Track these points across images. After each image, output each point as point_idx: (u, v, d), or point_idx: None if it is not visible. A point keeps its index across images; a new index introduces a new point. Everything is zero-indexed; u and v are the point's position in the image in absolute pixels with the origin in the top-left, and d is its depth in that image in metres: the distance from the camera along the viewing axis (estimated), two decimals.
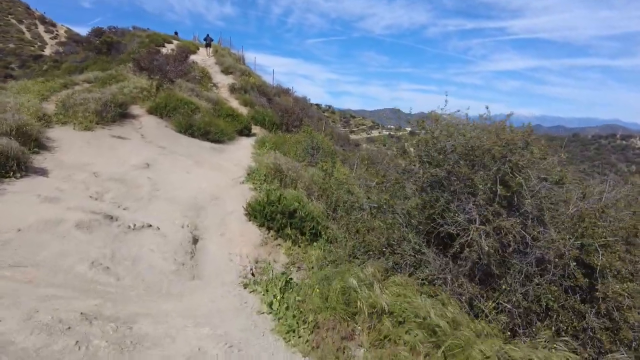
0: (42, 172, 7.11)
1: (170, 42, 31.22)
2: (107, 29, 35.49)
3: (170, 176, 8.91)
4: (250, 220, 7.14)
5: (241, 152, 13.16)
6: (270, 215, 6.79)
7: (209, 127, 13.61)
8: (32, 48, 68.86)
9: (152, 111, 13.90)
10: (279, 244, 6.63)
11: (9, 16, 78.24)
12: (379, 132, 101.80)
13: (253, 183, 9.51)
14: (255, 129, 17.45)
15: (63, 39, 76.45)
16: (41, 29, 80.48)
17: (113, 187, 7.07)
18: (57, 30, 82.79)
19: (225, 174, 10.21)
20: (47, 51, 68.26)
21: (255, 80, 24.94)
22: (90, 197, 6.40)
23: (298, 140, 15.17)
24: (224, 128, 14.28)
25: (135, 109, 13.97)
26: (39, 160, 7.86)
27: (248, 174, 9.95)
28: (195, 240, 5.92)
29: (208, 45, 30.84)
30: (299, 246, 6.70)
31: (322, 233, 6.88)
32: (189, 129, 13.22)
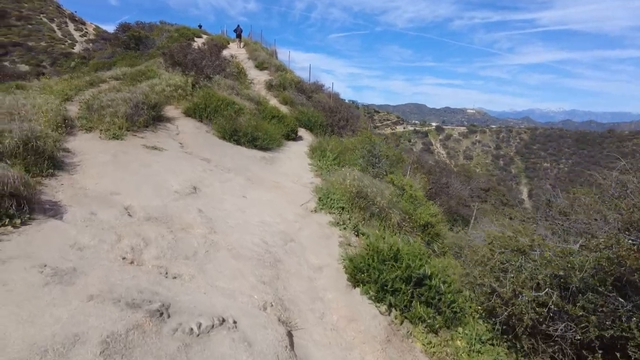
0: (54, 211, 4.83)
1: (200, 36, 29.06)
2: (134, 24, 33.64)
3: (224, 205, 6.57)
4: (355, 287, 4.73)
5: (295, 163, 10.77)
6: (392, 284, 4.36)
7: (256, 132, 11.27)
8: (63, 46, 68.04)
9: (189, 113, 11.65)
10: (410, 333, 4.20)
11: (41, 15, 77.70)
12: (404, 128, 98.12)
13: (329, 212, 7.11)
14: (300, 131, 15.06)
15: (92, 37, 75.59)
16: (71, 27, 79.75)
17: (154, 235, 4.75)
18: (86, 28, 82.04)
19: (287, 196, 7.84)
20: (77, 48, 67.37)
21: (291, 76, 22.53)
22: (124, 258, 4.09)
23: (354, 146, 12.75)
24: (271, 132, 11.92)
25: (170, 110, 11.75)
26: (52, 188, 5.61)
27: (319, 199, 7.54)
28: (290, 340, 3.54)
29: (238, 36, 28.79)
30: (436, 332, 4.27)
31: (469, 311, 4.43)
32: (233, 135, 10.90)
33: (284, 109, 17.29)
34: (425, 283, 4.42)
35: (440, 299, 4.33)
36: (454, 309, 4.34)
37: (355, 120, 19.28)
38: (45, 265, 3.50)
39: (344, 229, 6.45)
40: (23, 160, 5.87)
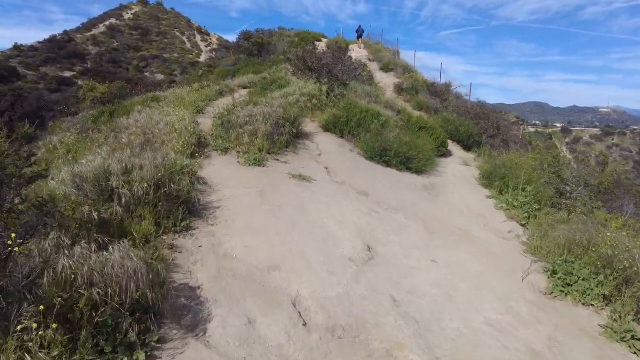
0: (193, 316, 2.95)
1: (320, 40, 27.70)
2: (254, 31, 33.79)
3: (418, 283, 4.23)
4: None
5: (465, 193, 8.08)
6: None
7: (409, 150, 8.82)
8: (191, 56, 74.00)
9: (328, 127, 9.68)
10: None
11: (174, 30, 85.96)
12: (523, 129, 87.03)
13: (581, 300, 4.34)
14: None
15: (215, 46, 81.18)
16: (198, 38, 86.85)
17: None
18: (210, 39, 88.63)
19: (489, 258, 5.24)
20: (202, 58, 72.66)
21: (422, 78, 19.68)
22: None
23: (531, 166, 9.55)
24: (424, 150, 9.36)
25: (306, 124, 9.90)
26: (188, 254, 3.84)
27: (553, 272, 4.77)
28: None
29: (360, 37, 27.10)
30: None
31: None
32: (383, 155, 8.62)
33: (416, 114, 14.63)
34: None
35: None
36: None
37: (507, 128, 15.77)
38: None
39: (629, 344, 3.65)
40: (153, 210, 4.24)
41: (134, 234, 3.78)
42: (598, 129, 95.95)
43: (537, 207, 6.84)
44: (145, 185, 4.17)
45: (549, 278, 4.76)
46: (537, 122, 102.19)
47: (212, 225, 4.62)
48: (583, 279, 4.48)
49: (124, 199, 3.97)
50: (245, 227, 4.58)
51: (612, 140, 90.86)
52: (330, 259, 4.19)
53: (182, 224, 4.35)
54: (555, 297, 4.44)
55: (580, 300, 4.32)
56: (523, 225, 6.56)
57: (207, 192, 5.59)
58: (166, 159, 4.93)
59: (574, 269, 4.65)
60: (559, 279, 4.63)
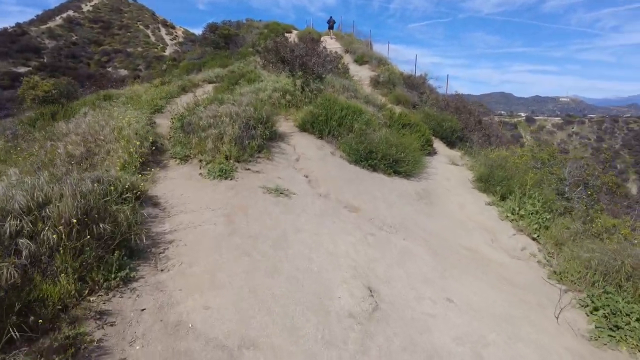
0: None
1: (290, 32, 26.34)
2: (221, 23, 31.95)
3: (438, 343, 3.18)
4: None
5: (463, 200, 7.15)
6: None
7: (397, 152, 7.79)
8: (156, 50, 70.50)
9: (305, 127, 8.52)
10: None
11: (138, 23, 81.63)
12: (489, 119, 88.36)
13: (639, 350, 3.42)
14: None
15: (181, 40, 77.77)
16: (163, 31, 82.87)
17: None
18: (176, 32, 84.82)
19: (509, 289, 4.28)
20: (168, 51, 69.42)
21: (398, 70, 18.76)
22: None
23: (525, 165, 8.84)
24: (411, 150, 8.36)
25: (280, 123, 8.71)
26: (124, 325, 2.62)
27: (594, 309, 3.84)
28: None
29: (331, 28, 26.24)
30: None
31: None
32: (369, 159, 7.55)
33: (398, 110, 13.68)
34: None
35: None
36: None
37: (488, 122, 15.08)
38: None
39: None
40: (76, 259, 2.99)
41: (42, 304, 2.54)
42: (559, 118, 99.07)
43: (547, 217, 5.96)
44: (61, 228, 2.90)
45: (588, 315, 3.83)
46: (503, 112, 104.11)
47: (162, 270, 3.39)
48: (637, 320, 3.57)
49: (25, 252, 2.71)
50: (207, 273, 3.39)
51: (573, 128, 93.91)
52: (325, 318, 3.07)
53: (119, 275, 3.12)
54: (605, 344, 3.50)
55: (637, 347, 3.41)
56: (534, 239, 5.67)
57: (159, 217, 4.35)
58: (97, 182, 3.65)
59: (619, 305, 3.74)
60: (603, 317, 3.71)
